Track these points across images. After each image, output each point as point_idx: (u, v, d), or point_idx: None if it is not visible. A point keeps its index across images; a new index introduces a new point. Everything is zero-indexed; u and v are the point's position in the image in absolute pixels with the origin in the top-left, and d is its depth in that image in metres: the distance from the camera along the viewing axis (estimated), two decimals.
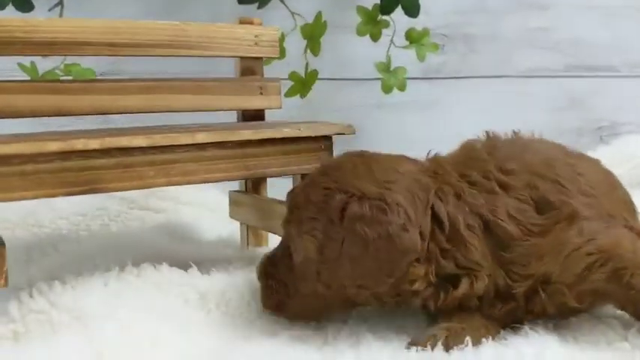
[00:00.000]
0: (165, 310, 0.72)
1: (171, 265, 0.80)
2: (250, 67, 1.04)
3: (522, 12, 1.49)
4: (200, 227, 1.14)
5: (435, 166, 0.73)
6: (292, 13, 1.20)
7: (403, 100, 1.37)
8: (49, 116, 0.86)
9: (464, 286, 0.70)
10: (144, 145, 0.73)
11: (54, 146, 0.67)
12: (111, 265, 0.80)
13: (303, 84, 1.09)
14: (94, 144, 0.69)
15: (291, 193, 0.75)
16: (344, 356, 0.65)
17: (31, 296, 0.72)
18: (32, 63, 1.13)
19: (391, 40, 1.24)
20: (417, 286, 0.69)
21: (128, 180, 0.73)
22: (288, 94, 1.10)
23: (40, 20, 0.84)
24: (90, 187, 0.70)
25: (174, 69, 1.17)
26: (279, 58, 1.07)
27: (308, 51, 1.11)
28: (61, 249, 0.97)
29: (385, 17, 1.20)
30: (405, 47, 1.23)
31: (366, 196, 0.67)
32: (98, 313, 0.69)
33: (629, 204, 0.80)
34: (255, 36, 1.03)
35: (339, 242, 0.67)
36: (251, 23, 1.03)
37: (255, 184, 1.03)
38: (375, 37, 1.21)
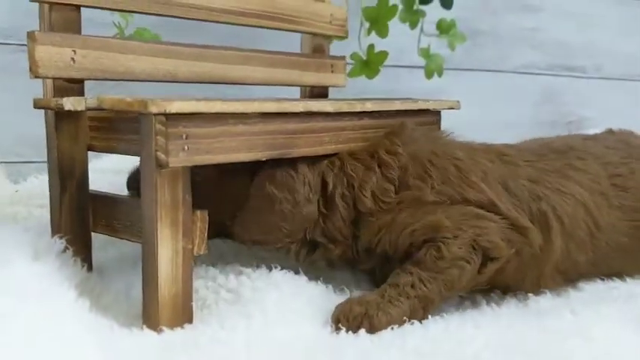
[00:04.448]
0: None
1: None
2: (321, 44, 1.05)
3: (518, 12, 1.62)
4: None
5: None
6: None
7: (413, 87, 1.43)
8: (161, 81, 0.81)
9: (319, 253, 0.76)
10: (331, 110, 0.74)
11: (272, 107, 0.67)
12: None
13: (365, 64, 1.11)
14: (298, 107, 0.70)
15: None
16: None
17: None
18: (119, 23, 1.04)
19: (421, 29, 1.29)
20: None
21: (312, 145, 0.74)
22: (352, 75, 1.11)
23: None
24: (285, 151, 0.71)
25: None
26: (343, 38, 1.08)
27: (369, 32, 1.13)
28: None
29: (422, 7, 1.25)
30: (437, 36, 1.29)
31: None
32: None
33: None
34: (331, 14, 1.04)
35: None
36: (323, 1, 1.04)
37: None
38: (413, 25, 1.25)
